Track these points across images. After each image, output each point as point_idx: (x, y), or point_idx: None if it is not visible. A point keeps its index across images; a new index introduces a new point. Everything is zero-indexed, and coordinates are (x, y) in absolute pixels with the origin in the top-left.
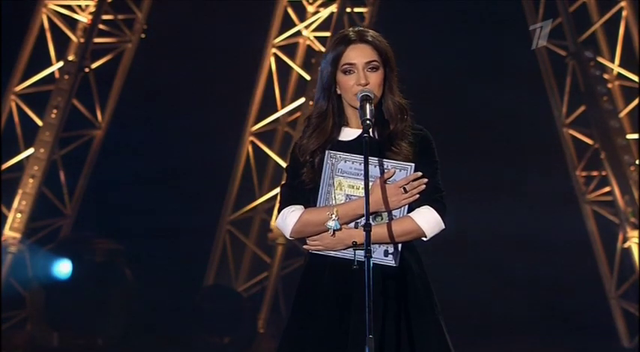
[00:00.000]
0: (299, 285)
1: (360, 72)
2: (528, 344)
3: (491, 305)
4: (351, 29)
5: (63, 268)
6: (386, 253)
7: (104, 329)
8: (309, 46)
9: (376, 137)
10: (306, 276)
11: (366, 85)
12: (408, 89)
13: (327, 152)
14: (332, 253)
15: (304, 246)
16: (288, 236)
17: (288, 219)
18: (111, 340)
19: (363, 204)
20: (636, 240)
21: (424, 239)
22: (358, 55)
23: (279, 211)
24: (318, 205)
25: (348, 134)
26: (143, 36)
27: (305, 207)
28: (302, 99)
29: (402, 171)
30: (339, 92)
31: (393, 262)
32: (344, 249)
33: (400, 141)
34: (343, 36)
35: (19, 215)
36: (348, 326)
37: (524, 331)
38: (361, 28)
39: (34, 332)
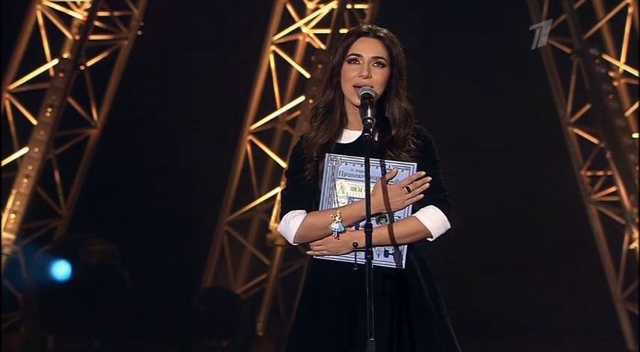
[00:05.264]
0: (303, 290)
1: (365, 64)
2: (532, 345)
3: (494, 306)
4: (366, 24)
5: (61, 270)
6: (386, 254)
7: (101, 331)
8: (308, 44)
9: (376, 140)
10: (311, 281)
11: (368, 77)
12: (410, 86)
13: (327, 155)
14: (335, 258)
15: (308, 252)
16: (292, 241)
17: (291, 224)
18: (107, 343)
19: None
20: None
21: (430, 239)
22: (366, 47)
23: (280, 217)
24: (320, 210)
25: (348, 136)
26: (139, 33)
27: (307, 211)
28: (302, 98)
29: (404, 171)
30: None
31: (394, 263)
32: (348, 253)
33: (400, 148)
34: (357, 28)
35: (13, 215)
36: (355, 331)
37: (528, 333)
38: (377, 26)
39: (28, 335)
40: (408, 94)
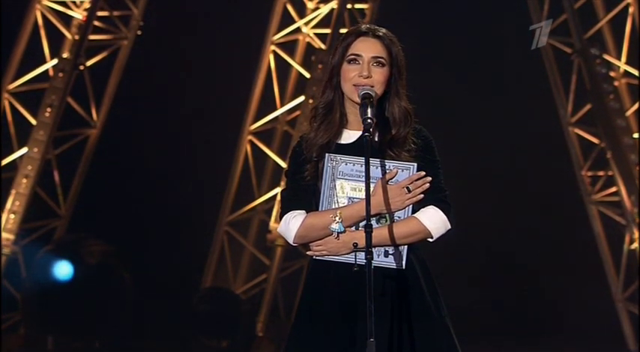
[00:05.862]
0: (303, 290)
1: (365, 64)
2: (533, 346)
3: (495, 307)
4: (364, 24)
5: (63, 270)
6: (386, 254)
7: (101, 331)
8: (308, 43)
9: (376, 140)
10: (311, 282)
11: (368, 77)
12: (410, 85)
13: (327, 155)
14: (335, 258)
15: (308, 252)
16: (292, 242)
17: (291, 225)
18: (108, 343)
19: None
20: None
21: (430, 240)
22: (366, 47)
23: (280, 217)
24: (320, 210)
25: (348, 136)
26: (139, 32)
27: (307, 211)
28: (301, 98)
29: (404, 172)
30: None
31: (394, 263)
32: (348, 254)
33: (400, 148)
34: (355, 28)
35: (12, 216)
36: (355, 331)
37: (528, 333)
38: (376, 26)
39: (27, 335)
40: (407, 93)
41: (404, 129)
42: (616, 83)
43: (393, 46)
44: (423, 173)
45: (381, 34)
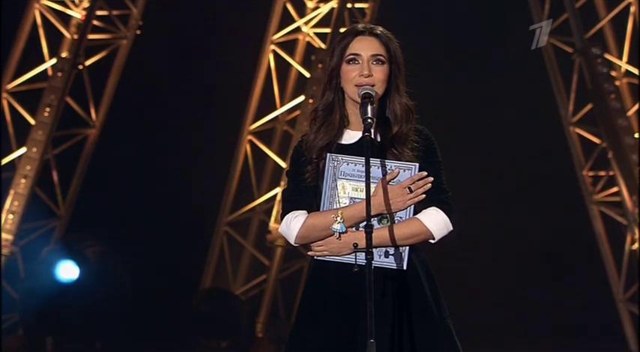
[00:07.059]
0: (304, 291)
1: (365, 63)
2: (534, 347)
3: (495, 307)
4: (361, 23)
5: (67, 271)
6: (387, 254)
7: (101, 332)
8: (308, 43)
9: (378, 139)
10: (311, 282)
11: (369, 76)
12: (410, 85)
13: (328, 155)
14: (337, 258)
15: (309, 252)
16: (293, 242)
17: (292, 225)
18: (108, 343)
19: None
20: None
21: (432, 241)
22: (364, 46)
23: (281, 217)
24: (322, 210)
25: (350, 137)
26: (138, 32)
27: (308, 212)
28: (301, 97)
29: (406, 172)
30: (342, 85)
31: (394, 264)
32: (349, 254)
33: (403, 145)
34: (352, 28)
35: (11, 216)
36: (355, 331)
37: (529, 334)
38: (372, 24)
39: (27, 335)
40: (407, 90)
41: (406, 126)
42: (617, 83)
43: (391, 43)
44: (425, 173)
45: (378, 32)
